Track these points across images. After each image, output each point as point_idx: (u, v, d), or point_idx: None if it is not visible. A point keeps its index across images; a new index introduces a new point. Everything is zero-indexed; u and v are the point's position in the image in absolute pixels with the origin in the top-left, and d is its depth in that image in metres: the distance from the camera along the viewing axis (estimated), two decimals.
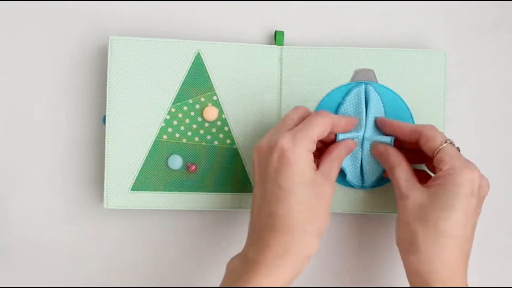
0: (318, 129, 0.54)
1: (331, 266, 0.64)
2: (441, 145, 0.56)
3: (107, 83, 0.59)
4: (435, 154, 0.56)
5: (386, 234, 0.65)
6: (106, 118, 0.60)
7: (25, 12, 0.63)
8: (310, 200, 0.53)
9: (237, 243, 0.61)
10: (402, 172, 0.57)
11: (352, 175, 0.60)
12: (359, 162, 0.60)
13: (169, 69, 0.60)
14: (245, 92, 0.61)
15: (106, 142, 0.60)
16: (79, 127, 0.63)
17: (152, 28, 0.63)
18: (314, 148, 0.55)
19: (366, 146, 0.60)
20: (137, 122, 0.60)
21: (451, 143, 0.56)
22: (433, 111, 0.63)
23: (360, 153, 0.60)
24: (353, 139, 0.59)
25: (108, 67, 0.60)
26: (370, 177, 0.60)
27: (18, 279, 0.62)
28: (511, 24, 0.66)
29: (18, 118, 0.62)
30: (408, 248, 0.55)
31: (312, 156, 0.54)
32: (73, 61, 0.63)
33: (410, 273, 0.55)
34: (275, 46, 0.62)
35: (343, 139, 0.58)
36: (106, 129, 0.60)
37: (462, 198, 0.53)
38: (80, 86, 0.63)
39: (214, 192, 0.61)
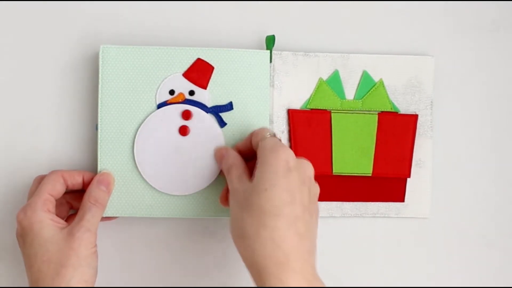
0: (46, 187, 0.57)
1: (330, 266, 0.65)
2: (263, 138, 0.56)
3: (99, 92, 0.60)
4: (257, 148, 0.56)
5: (385, 235, 0.65)
6: (98, 126, 0.60)
7: (17, 17, 0.63)
8: (56, 255, 0.54)
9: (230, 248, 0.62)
10: (235, 171, 0.57)
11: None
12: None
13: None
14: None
15: (98, 150, 0.60)
16: (71, 134, 0.63)
17: (144, 35, 0.63)
18: (52, 205, 0.57)
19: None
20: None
21: (274, 135, 0.57)
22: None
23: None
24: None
25: (100, 76, 0.60)
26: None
27: (18, 279, 0.63)
28: (511, 24, 0.66)
29: (9, 125, 0.63)
30: (241, 240, 0.53)
31: (51, 214, 0.56)
32: (66, 67, 0.63)
33: (248, 267, 0.52)
34: (265, 50, 0.62)
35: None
36: (99, 137, 0.60)
37: (280, 176, 0.52)
38: (73, 92, 0.63)
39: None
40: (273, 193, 0.52)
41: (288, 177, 0.53)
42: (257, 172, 0.54)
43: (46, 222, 0.56)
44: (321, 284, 0.52)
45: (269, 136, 0.57)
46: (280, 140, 0.57)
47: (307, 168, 0.55)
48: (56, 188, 0.58)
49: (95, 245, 0.56)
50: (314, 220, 0.55)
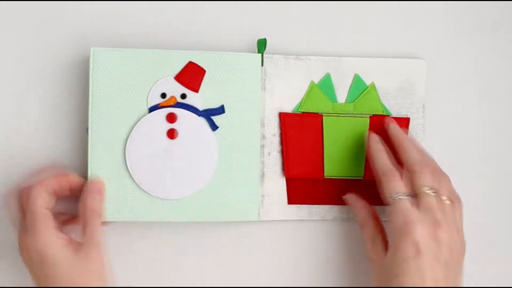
0: (38, 202, 0.55)
1: (329, 267, 0.65)
2: (393, 201, 0.56)
3: (90, 95, 0.59)
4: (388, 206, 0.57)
5: None
6: (89, 130, 0.59)
7: (8, 18, 0.62)
8: (68, 275, 0.54)
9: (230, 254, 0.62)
10: (367, 232, 0.59)
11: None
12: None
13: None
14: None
15: (89, 154, 0.59)
16: (63, 137, 0.62)
17: (135, 37, 0.63)
18: (50, 219, 0.55)
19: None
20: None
21: (405, 196, 0.56)
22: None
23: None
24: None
25: (91, 79, 0.59)
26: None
27: (18, 279, 0.62)
28: (511, 24, 0.67)
29: None
30: None
31: (52, 230, 0.55)
32: (57, 70, 0.62)
33: None
34: (256, 54, 0.62)
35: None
36: (89, 141, 0.59)
37: (409, 262, 0.53)
38: (65, 95, 0.62)
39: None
40: (403, 279, 0.53)
41: (417, 261, 0.53)
42: (389, 255, 0.56)
43: (50, 241, 0.54)
44: None
45: (399, 198, 0.56)
46: (409, 197, 0.56)
47: (442, 238, 0.54)
48: (47, 200, 0.56)
49: (104, 257, 0.55)
50: (455, 277, 0.55)
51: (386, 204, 0.57)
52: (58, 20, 0.63)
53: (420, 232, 0.54)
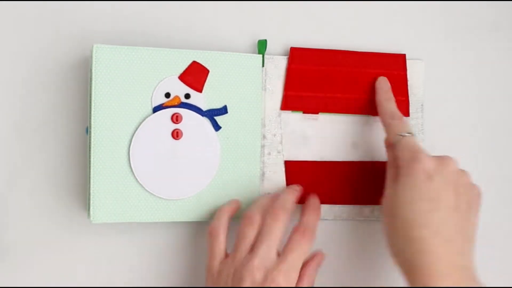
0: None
1: (329, 266, 0.65)
2: (399, 139, 0.57)
3: (92, 93, 0.58)
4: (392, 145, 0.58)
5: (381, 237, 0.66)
6: (91, 130, 0.58)
7: (6, 19, 0.61)
8: None
9: None
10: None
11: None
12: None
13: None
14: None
15: (91, 153, 0.58)
16: (62, 138, 0.61)
17: (137, 35, 0.62)
18: None
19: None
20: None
21: (409, 133, 0.58)
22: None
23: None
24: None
25: (93, 77, 0.58)
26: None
27: (18, 279, 0.61)
28: (511, 24, 0.68)
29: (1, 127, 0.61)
30: (391, 246, 0.56)
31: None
32: (57, 69, 0.61)
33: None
34: (257, 55, 0.63)
35: None
36: (92, 141, 0.58)
37: (420, 187, 0.54)
38: (64, 95, 0.61)
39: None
40: (415, 205, 0.53)
41: (429, 185, 0.54)
42: (399, 183, 0.55)
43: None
44: (475, 284, 0.52)
45: (405, 136, 0.57)
46: (413, 135, 0.58)
47: (449, 165, 0.55)
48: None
49: None
50: (468, 213, 0.55)
51: (389, 146, 0.59)
52: (59, 18, 0.61)
53: (428, 158, 0.55)
